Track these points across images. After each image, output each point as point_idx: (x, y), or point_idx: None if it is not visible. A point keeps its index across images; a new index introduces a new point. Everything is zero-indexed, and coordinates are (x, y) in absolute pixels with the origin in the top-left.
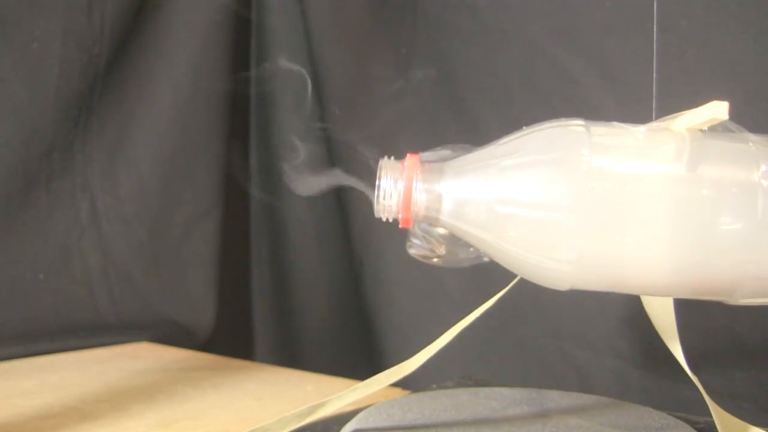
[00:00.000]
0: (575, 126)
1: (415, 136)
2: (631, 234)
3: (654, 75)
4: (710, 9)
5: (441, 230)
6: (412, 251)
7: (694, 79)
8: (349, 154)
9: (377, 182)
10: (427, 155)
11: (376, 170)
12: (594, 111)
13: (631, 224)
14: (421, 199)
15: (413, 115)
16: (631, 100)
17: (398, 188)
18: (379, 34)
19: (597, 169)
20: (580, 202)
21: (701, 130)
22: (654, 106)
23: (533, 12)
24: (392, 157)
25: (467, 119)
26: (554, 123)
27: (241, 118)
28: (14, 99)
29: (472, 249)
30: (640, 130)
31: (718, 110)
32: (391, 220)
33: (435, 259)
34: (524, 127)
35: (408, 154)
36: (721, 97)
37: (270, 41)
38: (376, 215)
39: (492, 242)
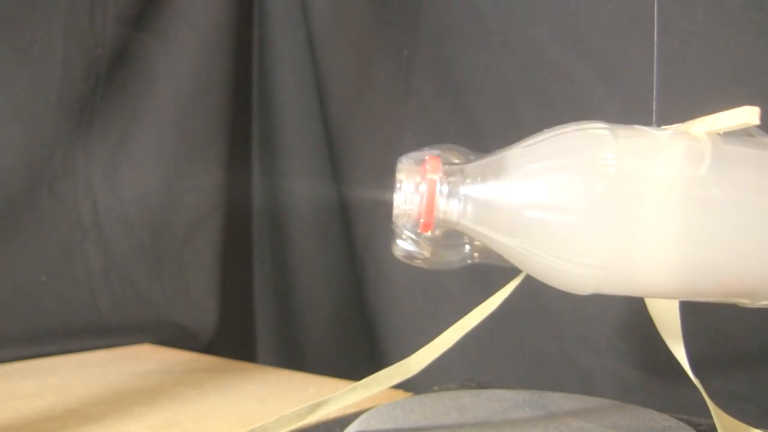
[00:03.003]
0: (600, 129)
1: (417, 138)
2: (658, 236)
3: (654, 77)
4: (712, 11)
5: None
6: (397, 253)
7: (695, 81)
8: (352, 156)
9: (397, 185)
10: (414, 154)
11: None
12: (596, 113)
13: (657, 229)
14: (442, 203)
15: (415, 117)
16: (633, 102)
17: (420, 191)
18: (381, 36)
19: (624, 173)
20: (607, 207)
21: (719, 133)
22: (654, 107)
23: (535, 14)
24: (411, 160)
25: (469, 121)
26: (577, 126)
27: (243, 120)
28: (16, 101)
29: (466, 249)
30: (664, 134)
31: (749, 116)
32: (409, 225)
33: (420, 261)
34: (545, 130)
35: (428, 157)
36: (722, 99)
37: (272, 43)
38: (395, 220)
39: (515, 246)
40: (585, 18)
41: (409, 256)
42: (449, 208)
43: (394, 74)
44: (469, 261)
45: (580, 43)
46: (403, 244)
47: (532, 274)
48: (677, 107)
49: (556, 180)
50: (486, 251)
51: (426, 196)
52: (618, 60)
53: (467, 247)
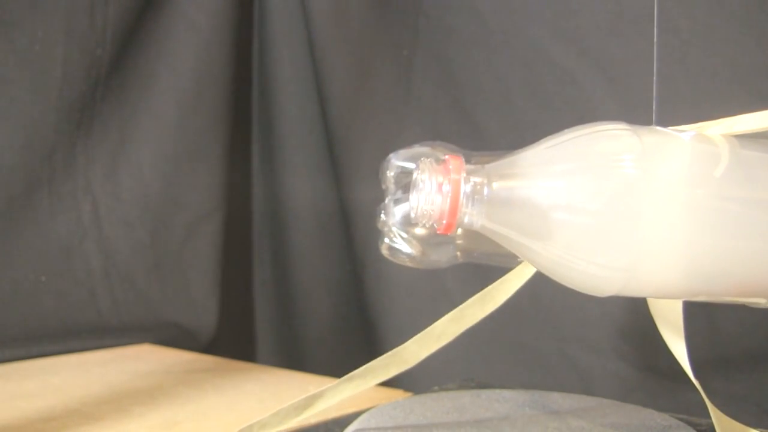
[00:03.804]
0: (622, 131)
1: (417, 139)
2: (681, 239)
3: (654, 77)
4: (712, 10)
5: (417, 231)
6: (386, 252)
7: (695, 81)
8: (352, 155)
9: (419, 185)
10: (403, 152)
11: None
12: (596, 113)
13: (681, 231)
14: (466, 203)
15: (415, 117)
16: (633, 102)
17: (444, 192)
18: (381, 36)
19: (648, 175)
20: (634, 208)
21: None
22: (654, 107)
23: (535, 14)
24: (431, 159)
25: (468, 121)
26: (600, 127)
27: (243, 120)
28: (17, 101)
29: (452, 248)
30: (685, 135)
31: None
32: (428, 226)
33: (409, 261)
34: (565, 130)
35: (450, 156)
36: (722, 99)
37: (272, 43)
38: (414, 221)
39: (537, 248)
40: (585, 18)
41: (399, 255)
42: (472, 209)
43: (394, 74)
44: (456, 261)
45: (580, 43)
46: (393, 244)
47: (551, 276)
48: (677, 107)
49: (580, 182)
50: (471, 251)
51: (450, 197)
52: (618, 60)
53: (452, 246)
